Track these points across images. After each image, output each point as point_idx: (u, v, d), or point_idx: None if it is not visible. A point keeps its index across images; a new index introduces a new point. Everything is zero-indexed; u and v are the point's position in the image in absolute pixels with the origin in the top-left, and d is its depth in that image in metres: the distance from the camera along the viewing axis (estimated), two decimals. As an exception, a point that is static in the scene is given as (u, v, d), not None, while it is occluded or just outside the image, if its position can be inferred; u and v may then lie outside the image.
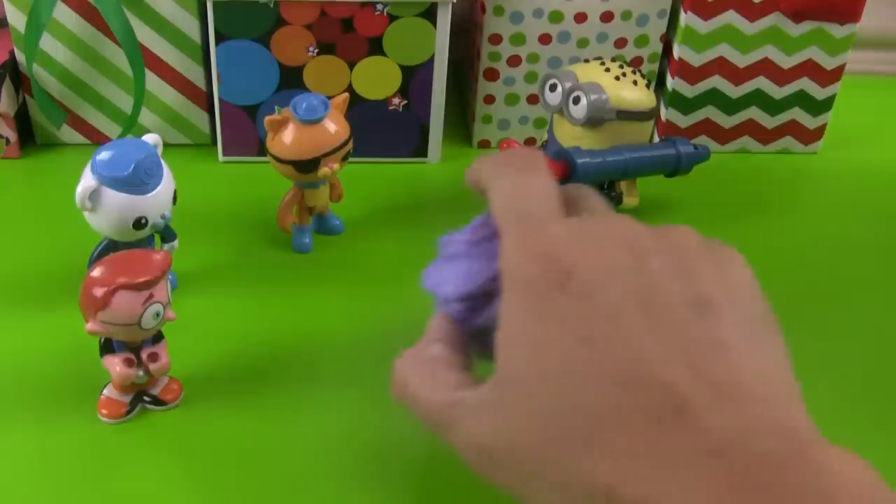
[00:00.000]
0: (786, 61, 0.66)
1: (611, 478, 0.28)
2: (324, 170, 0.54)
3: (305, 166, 0.54)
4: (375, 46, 0.63)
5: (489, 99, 0.68)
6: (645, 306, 0.29)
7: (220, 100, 0.64)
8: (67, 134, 0.67)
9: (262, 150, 0.66)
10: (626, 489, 0.27)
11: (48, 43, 0.63)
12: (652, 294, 0.29)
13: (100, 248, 0.50)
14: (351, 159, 0.56)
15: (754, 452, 0.26)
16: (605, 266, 0.30)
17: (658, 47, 0.68)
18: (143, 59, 0.63)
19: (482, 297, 0.36)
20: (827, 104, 0.69)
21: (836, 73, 0.67)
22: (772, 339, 0.31)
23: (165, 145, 0.50)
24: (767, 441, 0.27)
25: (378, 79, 0.64)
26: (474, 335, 0.36)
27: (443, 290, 0.38)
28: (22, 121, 0.66)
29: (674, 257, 0.31)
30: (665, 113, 0.69)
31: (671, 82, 0.67)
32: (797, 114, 0.69)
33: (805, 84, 0.68)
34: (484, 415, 0.31)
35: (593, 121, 0.56)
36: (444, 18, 0.62)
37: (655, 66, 0.69)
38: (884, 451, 0.47)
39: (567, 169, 0.55)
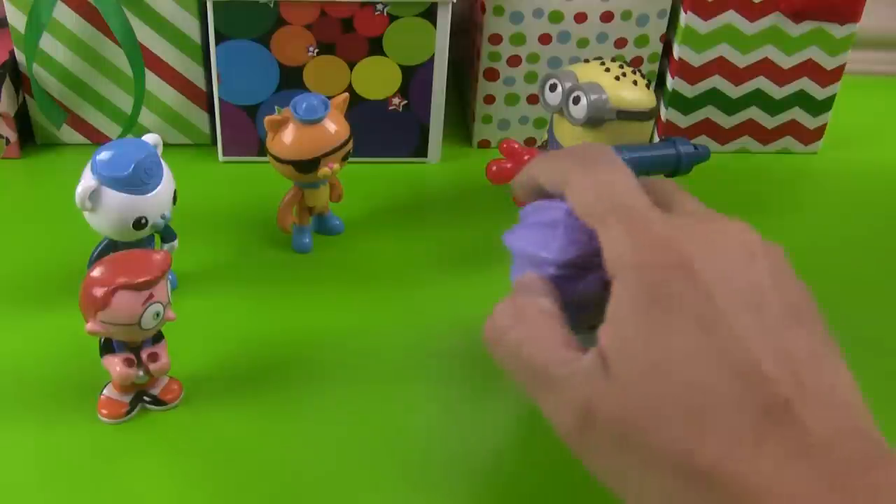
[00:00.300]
0: (786, 61, 0.66)
1: (715, 458, 0.29)
2: (324, 170, 0.54)
3: (305, 166, 0.54)
4: (375, 46, 0.63)
5: (489, 99, 0.68)
6: (755, 307, 0.31)
7: (220, 100, 0.64)
8: (67, 134, 0.67)
9: (262, 150, 0.66)
10: (728, 471, 0.29)
11: (48, 43, 0.63)
12: (759, 295, 0.31)
13: (100, 248, 0.50)
14: (351, 159, 0.56)
15: (846, 453, 0.29)
16: (721, 261, 0.32)
17: (658, 47, 0.68)
18: (143, 59, 0.63)
19: (580, 269, 0.36)
20: (827, 104, 0.69)
21: (836, 73, 0.67)
22: (839, 353, 0.33)
23: (165, 145, 0.50)
24: (857, 443, 0.29)
25: (378, 79, 0.64)
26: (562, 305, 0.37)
27: (542, 253, 0.37)
28: (22, 121, 0.66)
29: (773, 262, 0.33)
30: (665, 113, 0.69)
31: (671, 82, 0.67)
32: (797, 114, 0.69)
33: (805, 84, 0.68)
34: (597, 380, 0.31)
35: (593, 121, 0.56)
36: (444, 18, 0.62)
37: (655, 66, 0.69)
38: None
39: (567, 169, 0.55)
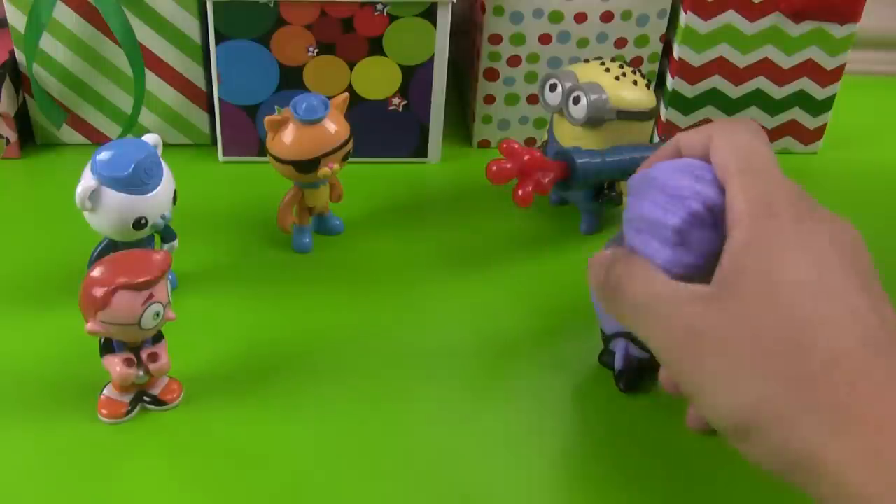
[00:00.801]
0: (786, 61, 0.66)
1: (819, 368, 0.32)
2: (324, 170, 0.54)
3: (305, 166, 0.54)
4: (375, 46, 0.63)
5: (489, 99, 0.68)
6: (862, 273, 0.35)
7: (220, 100, 0.64)
8: (67, 134, 0.67)
9: (262, 150, 0.66)
10: (832, 381, 0.32)
11: (48, 43, 0.63)
12: (865, 265, 0.36)
13: (100, 248, 0.50)
14: (351, 159, 0.56)
15: None
16: (829, 221, 0.37)
17: (658, 47, 0.68)
18: (143, 59, 0.63)
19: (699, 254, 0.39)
20: (827, 104, 0.69)
21: (836, 73, 0.67)
22: None
23: (165, 145, 0.50)
24: None
25: (378, 79, 0.64)
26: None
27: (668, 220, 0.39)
28: (22, 121, 0.66)
29: (858, 242, 0.37)
30: (665, 113, 0.69)
31: (671, 82, 0.67)
32: (797, 114, 0.69)
33: (805, 84, 0.68)
34: (714, 303, 0.35)
35: (593, 121, 0.56)
36: (444, 18, 0.62)
37: (655, 66, 0.69)
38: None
39: (567, 169, 0.55)
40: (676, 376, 0.36)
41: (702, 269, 0.38)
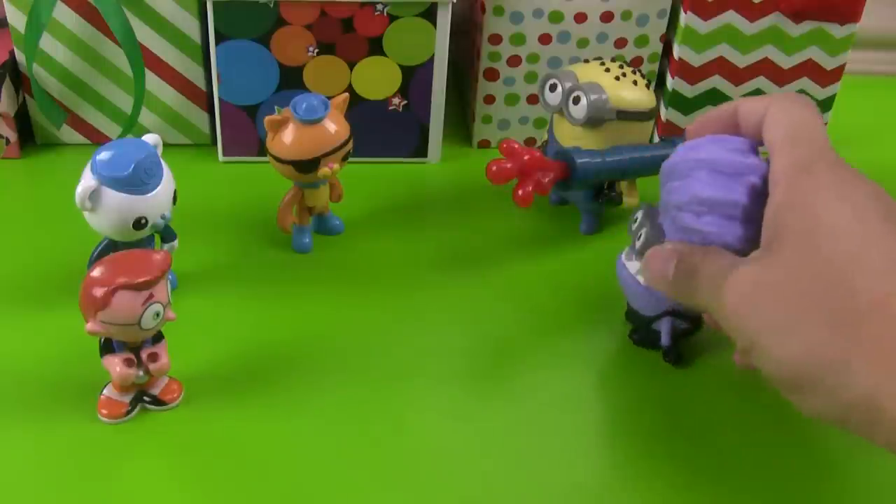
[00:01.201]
0: (786, 61, 0.66)
1: (865, 300, 0.34)
2: (324, 170, 0.54)
3: (305, 166, 0.54)
4: (375, 46, 0.63)
5: (489, 99, 0.68)
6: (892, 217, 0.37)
7: (220, 100, 0.64)
8: (67, 134, 0.67)
9: (262, 150, 0.66)
10: (876, 300, 0.34)
11: (48, 43, 0.63)
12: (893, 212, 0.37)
13: (100, 248, 0.50)
14: (351, 159, 0.56)
15: None
16: (865, 181, 0.38)
17: (658, 47, 0.68)
18: (143, 59, 0.63)
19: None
20: (827, 104, 0.69)
21: (836, 73, 0.67)
22: None
23: (165, 145, 0.50)
24: None
25: (378, 79, 0.64)
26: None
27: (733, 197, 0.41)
28: (22, 121, 0.66)
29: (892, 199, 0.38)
30: (665, 113, 0.69)
31: (671, 82, 0.67)
32: (797, 114, 0.69)
33: (805, 84, 0.68)
34: (763, 261, 0.37)
35: (593, 121, 0.56)
36: (444, 18, 0.62)
37: (655, 66, 0.69)
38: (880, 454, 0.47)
39: (567, 169, 0.55)
40: (744, 341, 0.37)
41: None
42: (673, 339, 0.50)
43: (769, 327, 0.36)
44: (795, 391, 0.36)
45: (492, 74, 0.67)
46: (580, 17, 0.65)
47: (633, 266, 0.50)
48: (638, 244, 0.49)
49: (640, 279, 0.49)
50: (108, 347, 0.44)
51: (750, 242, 0.40)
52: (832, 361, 0.34)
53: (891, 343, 0.33)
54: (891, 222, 0.36)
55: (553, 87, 0.58)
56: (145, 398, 0.46)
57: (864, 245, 0.35)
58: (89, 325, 0.42)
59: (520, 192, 0.54)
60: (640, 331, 0.52)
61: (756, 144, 0.42)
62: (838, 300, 0.34)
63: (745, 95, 0.68)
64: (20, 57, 0.64)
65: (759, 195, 0.41)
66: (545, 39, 0.66)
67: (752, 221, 0.41)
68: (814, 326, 0.34)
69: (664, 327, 0.50)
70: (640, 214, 0.50)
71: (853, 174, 0.38)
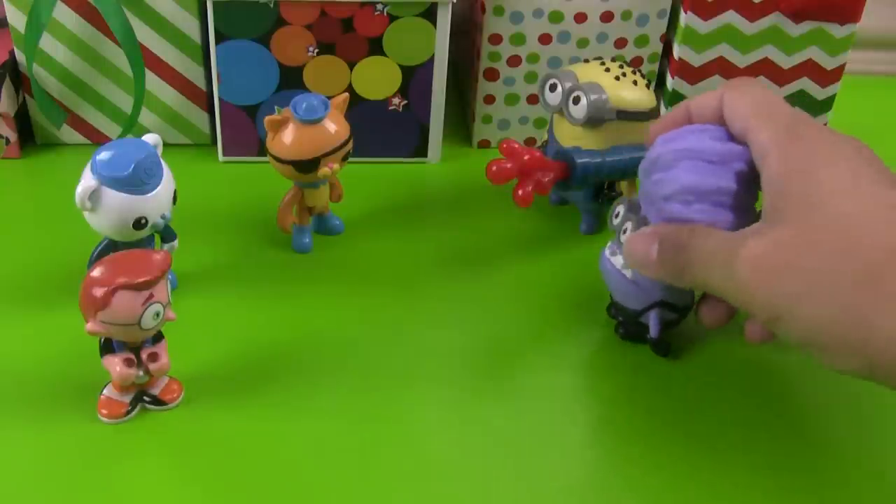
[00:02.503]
0: (786, 61, 0.66)
1: (884, 252, 0.35)
2: (324, 170, 0.54)
3: (305, 166, 0.54)
4: (375, 46, 0.63)
5: (489, 99, 0.68)
6: (879, 169, 0.39)
7: (220, 100, 0.64)
8: (67, 134, 0.67)
9: (262, 150, 0.66)
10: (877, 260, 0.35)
11: (48, 43, 0.63)
12: (878, 163, 0.39)
13: (100, 248, 0.50)
14: (351, 159, 0.56)
15: None
16: (846, 137, 0.40)
17: (658, 47, 0.68)
18: (143, 59, 0.63)
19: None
20: (827, 104, 0.69)
21: (836, 73, 0.67)
22: None
23: (165, 145, 0.50)
24: None
25: (378, 79, 0.64)
26: None
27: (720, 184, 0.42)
28: (22, 121, 0.66)
29: (871, 151, 0.40)
30: (665, 113, 0.69)
31: (671, 82, 0.67)
32: (797, 114, 0.69)
33: (805, 84, 0.68)
34: (769, 233, 0.37)
35: (593, 121, 0.56)
36: (444, 18, 0.62)
37: (655, 66, 0.69)
38: (879, 448, 0.47)
39: (567, 169, 0.55)
40: (756, 313, 0.38)
41: (749, 223, 0.40)
42: (661, 329, 0.50)
43: (792, 295, 0.36)
44: (822, 351, 0.37)
45: (492, 74, 0.67)
46: (580, 17, 0.65)
47: (617, 261, 0.50)
48: (622, 238, 0.49)
49: (626, 273, 0.49)
50: (108, 347, 0.44)
51: (740, 227, 0.41)
52: (856, 319, 0.35)
53: None
54: (880, 176, 0.38)
55: (553, 87, 0.58)
56: (145, 398, 0.46)
57: (867, 201, 0.36)
58: (89, 325, 0.42)
59: (520, 192, 0.54)
60: (627, 325, 0.52)
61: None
62: (853, 260, 0.35)
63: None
64: (20, 57, 0.64)
65: (747, 181, 0.41)
66: (545, 39, 0.66)
67: (740, 207, 0.41)
68: (835, 289, 0.35)
69: (651, 320, 0.50)
70: (621, 209, 0.50)
71: (834, 133, 0.39)
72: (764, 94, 0.42)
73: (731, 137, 0.42)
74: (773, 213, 0.38)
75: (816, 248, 0.36)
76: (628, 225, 0.49)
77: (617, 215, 0.50)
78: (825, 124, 0.69)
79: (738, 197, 0.42)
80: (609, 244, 0.51)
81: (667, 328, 0.51)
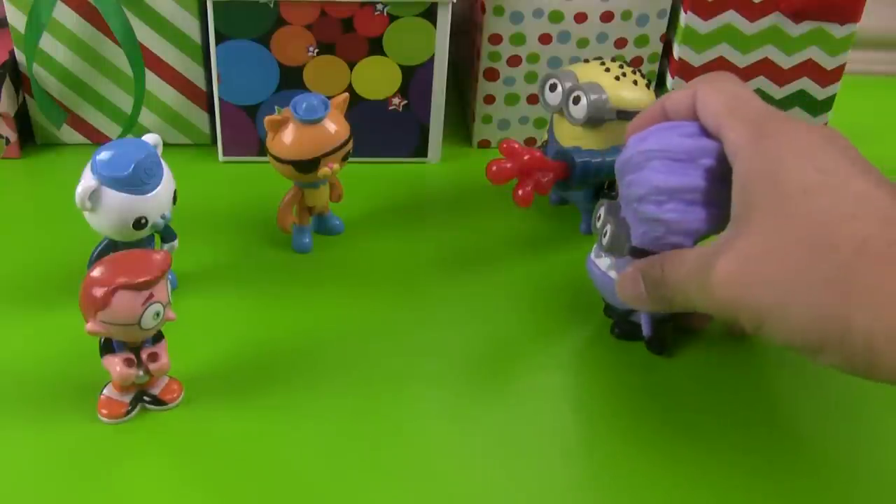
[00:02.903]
0: (786, 61, 0.66)
1: (855, 246, 0.34)
2: (324, 170, 0.54)
3: (305, 166, 0.54)
4: (375, 46, 0.63)
5: (489, 99, 0.68)
6: (851, 158, 0.38)
7: (220, 100, 0.64)
8: (67, 134, 0.67)
9: (262, 150, 0.66)
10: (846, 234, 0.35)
11: (48, 43, 0.63)
12: (850, 151, 0.38)
13: (100, 248, 0.50)
14: (351, 159, 0.56)
15: None
16: (817, 127, 0.39)
17: (658, 47, 0.68)
18: (143, 59, 0.63)
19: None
20: (827, 104, 0.69)
21: (836, 73, 0.67)
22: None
23: (165, 145, 0.50)
24: None
25: (378, 79, 0.64)
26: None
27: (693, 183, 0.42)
28: (22, 121, 0.66)
29: (843, 137, 0.39)
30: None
31: (671, 82, 0.67)
32: (797, 114, 0.69)
33: (805, 84, 0.68)
34: (740, 241, 0.37)
35: (593, 121, 0.56)
36: (444, 18, 0.62)
37: (655, 66, 0.69)
38: (879, 446, 0.47)
39: (567, 169, 0.55)
40: (750, 322, 0.37)
41: (725, 216, 0.40)
42: (654, 328, 0.50)
43: (769, 301, 0.36)
44: (810, 353, 0.36)
45: (492, 74, 0.67)
46: (580, 17, 0.65)
47: (602, 263, 0.50)
48: (605, 241, 0.49)
49: (612, 275, 0.49)
50: (108, 347, 0.44)
51: (714, 222, 0.41)
52: (832, 317, 0.35)
53: (876, 284, 0.34)
54: (850, 167, 0.37)
55: (553, 87, 0.58)
56: (145, 398, 0.46)
57: (834, 195, 0.36)
58: (89, 325, 0.42)
59: (520, 192, 0.54)
60: (621, 324, 0.52)
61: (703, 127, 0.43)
62: (825, 257, 0.35)
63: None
64: (20, 57, 0.64)
65: (717, 176, 0.41)
66: (545, 39, 0.66)
67: (713, 203, 0.41)
68: (809, 290, 0.35)
69: (643, 319, 0.50)
70: (602, 211, 0.50)
71: (803, 125, 0.39)
72: (735, 91, 0.41)
73: (704, 132, 0.42)
74: (742, 215, 0.38)
75: (789, 249, 0.36)
76: (608, 228, 0.49)
77: (599, 217, 0.50)
78: (825, 123, 0.69)
79: (710, 193, 0.41)
80: (594, 247, 0.50)
81: (660, 325, 0.51)
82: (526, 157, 0.54)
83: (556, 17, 0.64)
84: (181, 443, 0.45)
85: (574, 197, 0.61)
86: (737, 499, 0.43)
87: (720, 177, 0.41)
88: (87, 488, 0.42)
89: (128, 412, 0.45)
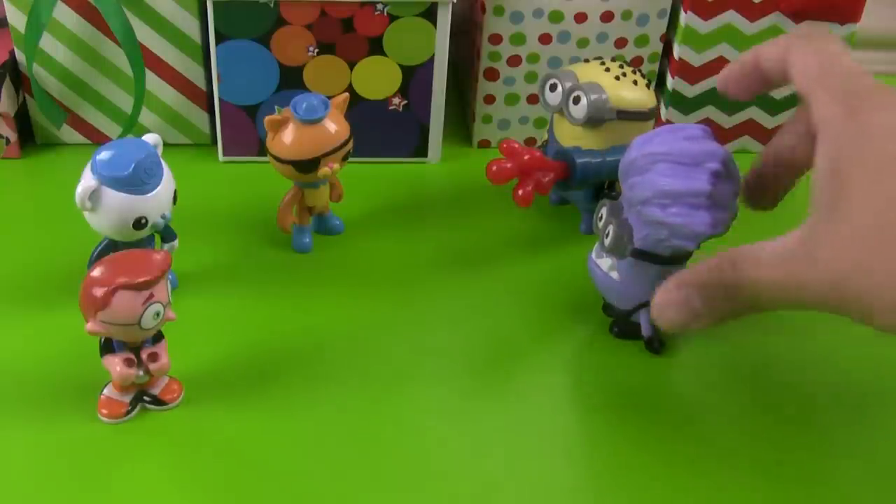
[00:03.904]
0: (786, 61, 0.66)
1: None
2: (324, 170, 0.54)
3: (305, 166, 0.54)
4: (375, 46, 0.63)
5: (489, 99, 0.68)
6: None
7: (220, 100, 0.64)
8: (67, 134, 0.67)
9: (262, 150, 0.66)
10: None
11: (48, 43, 0.63)
12: None
13: (100, 248, 0.50)
14: (351, 159, 0.56)
15: None
16: None
17: (658, 47, 0.68)
18: (143, 59, 0.63)
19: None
20: (827, 104, 0.69)
21: (836, 73, 0.67)
22: None
23: (165, 145, 0.50)
24: None
25: (378, 79, 0.64)
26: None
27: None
28: (22, 121, 0.66)
29: None
30: (665, 113, 0.69)
31: (671, 82, 0.67)
32: (797, 114, 0.69)
33: (805, 84, 0.68)
34: (833, 229, 0.35)
35: (593, 121, 0.56)
36: (444, 18, 0.62)
37: (655, 66, 0.69)
38: (881, 446, 0.47)
39: (567, 169, 0.55)
40: (858, 313, 0.36)
41: (729, 219, 0.41)
42: (653, 328, 0.50)
43: (881, 287, 0.35)
44: (874, 316, 0.35)
45: (492, 74, 0.67)
46: (580, 17, 0.65)
47: (604, 263, 0.50)
48: (607, 241, 0.49)
49: (613, 276, 0.49)
50: (108, 347, 0.44)
51: (719, 225, 0.41)
52: None
53: None
54: None
55: (553, 87, 0.58)
56: (145, 398, 0.46)
57: None
58: (89, 325, 0.42)
59: (520, 192, 0.54)
60: (621, 324, 0.52)
61: (710, 130, 0.43)
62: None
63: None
64: (20, 57, 0.64)
65: (722, 179, 0.42)
66: (545, 39, 0.66)
67: (718, 206, 0.42)
68: None
69: (642, 319, 0.50)
70: (604, 211, 0.50)
71: (891, 94, 0.37)
72: (825, 54, 0.39)
73: (709, 133, 0.43)
74: (834, 205, 0.36)
75: (888, 237, 0.34)
76: (610, 228, 0.49)
77: (600, 218, 0.50)
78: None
79: (714, 196, 0.42)
80: (596, 247, 0.51)
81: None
82: (526, 157, 0.54)
83: (556, 17, 0.65)
84: (181, 443, 0.45)
85: (574, 197, 0.61)
86: (737, 499, 0.43)
87: (725, 180, 0.42)
88: (87, 488, 0.42)
89: (128, 412, 0.45)
